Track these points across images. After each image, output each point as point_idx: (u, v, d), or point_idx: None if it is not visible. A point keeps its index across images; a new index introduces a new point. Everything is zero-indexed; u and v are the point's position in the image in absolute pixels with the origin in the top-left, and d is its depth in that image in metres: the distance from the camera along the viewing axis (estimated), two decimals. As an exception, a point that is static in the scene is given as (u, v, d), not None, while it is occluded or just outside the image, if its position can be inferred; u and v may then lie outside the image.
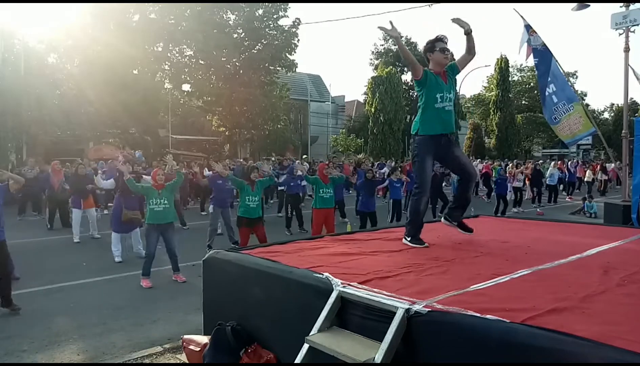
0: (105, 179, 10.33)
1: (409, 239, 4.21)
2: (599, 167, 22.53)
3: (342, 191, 11.94)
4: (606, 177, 22.20)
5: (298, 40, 26.63)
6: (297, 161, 17.52)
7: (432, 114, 4.12)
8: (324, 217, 8.23)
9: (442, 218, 4.65)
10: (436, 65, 4.18)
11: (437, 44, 4.19)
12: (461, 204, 4.57)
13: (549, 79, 9.07)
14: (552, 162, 20.11)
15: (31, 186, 13.34)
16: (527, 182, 17.36)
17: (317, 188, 8.25)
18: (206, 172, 15.12)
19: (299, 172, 11.60)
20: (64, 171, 11.94)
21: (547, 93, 9.13)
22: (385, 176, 12.89)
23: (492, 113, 40.47)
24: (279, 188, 13.94)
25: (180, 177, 7.04)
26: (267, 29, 26.25)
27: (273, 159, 18.02)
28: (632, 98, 39.02)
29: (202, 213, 13.70)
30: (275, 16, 26.19)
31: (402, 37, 4.47)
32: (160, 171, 7.16)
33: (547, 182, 17.90)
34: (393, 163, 21.31)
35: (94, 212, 10.41)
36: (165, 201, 6.70)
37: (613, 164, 22.48)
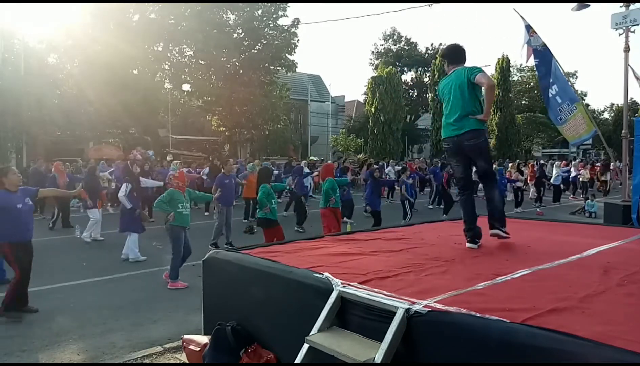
0: (115, 181, 10.37)
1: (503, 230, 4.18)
2: (599, 168, 22.49)
3: (350, 191, 11.98)
4: (609, 178, 22.22)
5: (298, 40, 26.65)
6: (304, 161, 17.72)
7: None
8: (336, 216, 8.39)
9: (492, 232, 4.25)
10: None
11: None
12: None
13: (551, 80, 9.07)
14: (557, 163, 20.17)
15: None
16: (529, 181, 17.40)
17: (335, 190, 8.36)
18: (204, 172, 15.21)
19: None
20: (67, 172, 12.06)
21: (550, 94, 9.13)
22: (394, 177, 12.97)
23: (492, 113, 40.43)
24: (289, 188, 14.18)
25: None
26: (266, 29, 26.26)
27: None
28: (632, 98, 39.06)
29: (206, 214, 13.71)
30: (274, 16, 26.21)
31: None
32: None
33: (552, 181, 18.00)
34: (402, 163, 21.44)
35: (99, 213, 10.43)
36: (188, 205, 6.92)
37: (612, 164, 22.48)
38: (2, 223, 5.26)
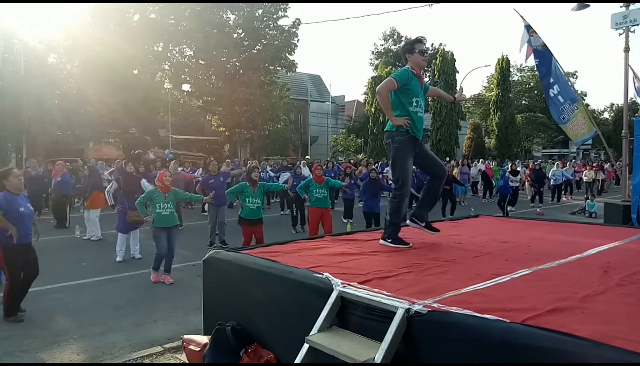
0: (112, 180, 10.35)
1: (389, 241, 4.12)
2: (595, 167, 22.59)
3: (353, 192, 11.86)
4: (603, 177, 22.32)
5: (297, 40, 26.66)
6: (302, 161, 17.76)
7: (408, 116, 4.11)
8: (320, 216, 8.37)
9: (408, 220, 4.38)
10: (415, 66, 4.14)
11: (417, 45, 4.14)
12: (428, 202, 4.43)
13: (552, 80, 9.08)
14: (556, 163, 20.19)
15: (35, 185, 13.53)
16: (527, 182, 17.44)
17: (311, 189, 8.40)
18: (198, 173, 15.23)
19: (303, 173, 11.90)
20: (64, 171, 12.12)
21: (551, 94, 9.13)
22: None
23: (492, 113, 40.48)
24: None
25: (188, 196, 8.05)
26: (267, 29, 26.27)
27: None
28: (632, 98, 38.96)
29: (203, 213, 13.70)
30: (275, 16, 26.22)
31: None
32: (168, 173, 7.25)
33: (552, 182, 18.07)
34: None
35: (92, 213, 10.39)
36: (171, 206, 6.84)
37: (608, 164, 22.61)
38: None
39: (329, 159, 22.32)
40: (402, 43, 4.19)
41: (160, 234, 6.72)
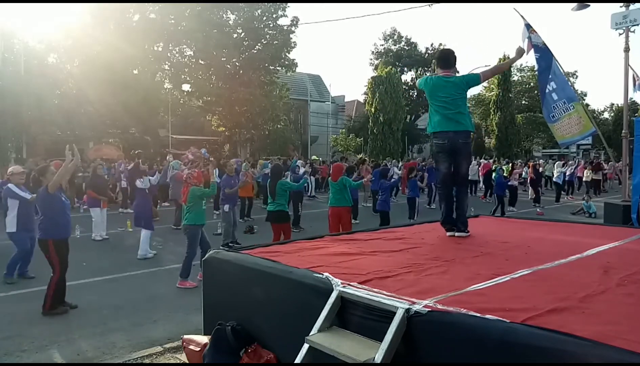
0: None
1: (468, 231, 4.53)
2: (593, 167, 22.63)
3: (357, 191, 11.89)
4: (600, 178, 22.34)
5: (291, 33, 26.62)
6: (300, 161, 17.85)
7: None
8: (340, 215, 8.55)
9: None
10: None
11: None
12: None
13: (550, 76, 9.03)
14: (557, 163, 20.22)
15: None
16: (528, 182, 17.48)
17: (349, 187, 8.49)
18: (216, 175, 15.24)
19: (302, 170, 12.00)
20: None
21: (547, 90, 9.07)
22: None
23: (492, 113, 40.42)
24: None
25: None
26: (266, 29, 26.29)
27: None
28: (632, 98, 38.91)
29: (215, 212, 13.66)
30: (274, 16, 26.23)
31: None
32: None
33: (554, 180, 18.19)
34: (393, 162, 21.47)
35: (104, 212, 10.47)
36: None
37: (609, 164, 22.60)
38: (48, 220, 5.39)
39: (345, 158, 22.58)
40: (451, 51, 4.39)
41: (199, 232, 6.73)
